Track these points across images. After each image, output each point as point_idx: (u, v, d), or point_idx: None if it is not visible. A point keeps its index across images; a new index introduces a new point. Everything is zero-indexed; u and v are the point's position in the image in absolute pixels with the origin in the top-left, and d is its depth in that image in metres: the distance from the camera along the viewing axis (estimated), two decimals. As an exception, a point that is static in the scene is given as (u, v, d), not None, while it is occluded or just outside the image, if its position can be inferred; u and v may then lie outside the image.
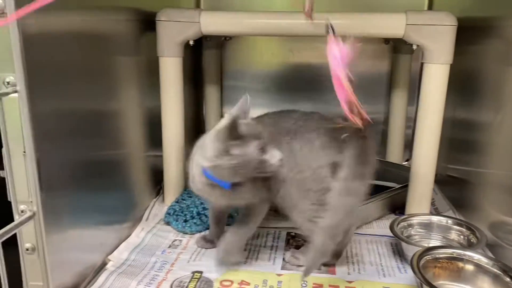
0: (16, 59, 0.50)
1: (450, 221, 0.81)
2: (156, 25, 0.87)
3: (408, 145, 1.25)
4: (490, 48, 0.86)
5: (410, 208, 0.89)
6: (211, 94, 1.29)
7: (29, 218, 0.53)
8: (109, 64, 0.77)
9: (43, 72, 0.55)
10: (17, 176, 0.54)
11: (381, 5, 1.18)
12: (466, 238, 0.78)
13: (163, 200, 0.98)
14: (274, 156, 0.62)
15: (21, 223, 0.51)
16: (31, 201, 0.54)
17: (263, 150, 0.62)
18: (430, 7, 1.17)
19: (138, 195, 0.92)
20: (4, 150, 0.52)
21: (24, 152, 0.52)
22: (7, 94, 0.49)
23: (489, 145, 0.84)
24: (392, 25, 0.82)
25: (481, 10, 0.90)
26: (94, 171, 0.71)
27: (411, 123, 1.24)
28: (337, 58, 0.61)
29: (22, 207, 0.55)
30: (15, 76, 0.51)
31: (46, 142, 0.55)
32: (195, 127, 1.32)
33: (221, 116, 1.33)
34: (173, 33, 0.87)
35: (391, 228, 0.77)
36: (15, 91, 0.50)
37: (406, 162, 1.25)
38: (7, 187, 0.54)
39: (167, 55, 0.89)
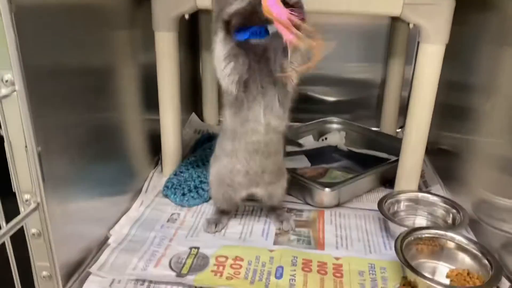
0: (12, 57, 0.51)
1: (436, 199, 0.85)
2: (151, -1, 0.86)
3: (403, 109, 1.26)
4: (487, 22, 0.85)
5: (400, 182, 0.92)
6: (208, 57, 1.28)
7: (34, 209, 0.56)
8: (105, 36, 0.77)
9: (38, 62, 0.56)
10: (20, 169, 0.56)
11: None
12: (451, 215, 0.82)
13: (161, 170, 1.01)
14: None
15: (27, 215, 0.54)
16: (35, 192, 0.57)
17: None
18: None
19: (137, 165, 0.95)
20: (6, 145, 0.54)
21: (26, 147, 0.54)
22: (6, 96, 0.50)
23: (479, 117, 0.86)
24: (389, 3, 0.81)
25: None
26: (93, 141, 0.73)
27: (408, 85, 1.24)
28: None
29: (26, 196, 0.57)
30: (13, 74, 0.51)
31: (46, 133, 0.57)
32: (192, 91, 1.32)
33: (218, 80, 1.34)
34: (168, 7, 0.86)
35: (379, 206, 0.81)
36: (14, 91, 0.51)
37: (400, 130, 1.28)
38: (12, 179, 0.57)
39: (162, 30, 0.88)
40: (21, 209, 0.56)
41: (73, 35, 0.65)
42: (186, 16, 0.88)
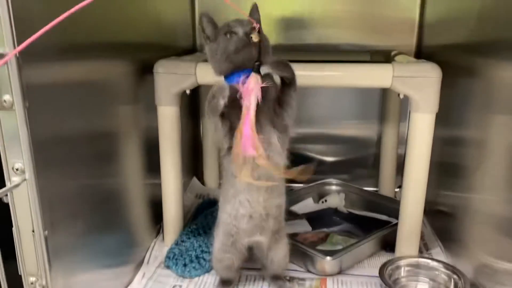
0: (24, 146, 0.54)
1: (436, 264, 0.85)
2: (154, 76, 0.91)
3: (402, 166, 1.28)
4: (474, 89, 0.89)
5: (400, 245, 0.93)
6: (207, 122, 1.32)
7: (39, 293, 0.57)
8: (110, 112, 0.80)
9: (46, 149, 0.58)
10: (27, 253, 0.58)
11: (371, 44, 1.22)
12: (452, 281, 0.82)
13: (163, 239, 1.01)
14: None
15: (32, 301, 0.55)
16: (40, 275, 0.58)
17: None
18: (419, 45, 1.21)
19: (139, 234, 0.96)
20: (14, 230, 0.56)
21: (33, 231, 0.56)
22: (17, 185, 0.53)
23: (475, 177, 0.87)
24: (379, 76, 0.86)
25: (466, 54, 0.94)
26: (97, 212, 0.74)
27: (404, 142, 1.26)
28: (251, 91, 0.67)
29: (31, 279, 0.58)
30: (23, 163, 0.54)
31: (52, 216, 0.59)
32: (192, 155, 1.35)
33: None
34: (170, 84, 0.90)
35: (381, 274, 0.81)
36: (24, 179, 0.54)
37: (398, 189, 1.29)
38: (18, 261, 0.58)
39: (164, 104, 0.92)
40: (26, 293, 0.57)
41: (78, 109, 0.68)
42: (188, 92, 0.93)
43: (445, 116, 0.95)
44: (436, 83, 0.84)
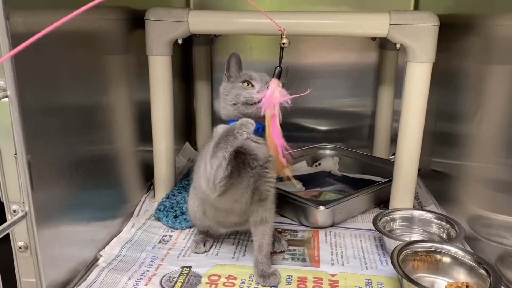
0: (5, 64, 0.52)
1: (430, 215, 0.84)
2: (145, 24, 0.88)
3: (395, 139, 1.27)
4: (472, 45, 0.88)
5: (394, 202, 0.92)
6: (201, 88, 1.30)
7: (21, 218, 0.55)
8: (99, 61, 0.78)
9: (32, 74, 0.56)
10: (9, 178, 0.56)
11: (368, 3, 1.20)
12: (446, 231, 0.81)
13: (153, 196, 1.00)
14: None
15: (14, 223, 0.53)
16: (23, 202, 0.56)
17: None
18: (416, 6, 1.19)
19: (129, 191, 0.94)
20: (-5, 153, 0.54)
21: (15, 154, 0.54)
22: (-3, 100, 0.50)
23: (470, 141, 0.86)
24: (376, 24, 0.84)
25: (464, 8, 0.92)
26: (85, 167, 0.72)
27: (398, 116, 1.26)
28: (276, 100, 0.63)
29: (14, 207, 0.56)
30: (5, 81, 0.52)
31: (36, 143, 0.57)
32: (185, 121, 1.33)
33: (212, 109, 1.35)
34: (162, 32, 0.88)
35: (374, 222, 0.80)
36: (6, 96, 0.51)
37: (393, 156, 1.28)
38: (0, 188, 0.56)
39: (156, 54, 0.90)
40: (8, 218, 0.55)
41: (68, 61, 0.66)
42: (180, 41, 0.90)
43: (439, 84, 0.94)
44: (433, 31, 0.82)
